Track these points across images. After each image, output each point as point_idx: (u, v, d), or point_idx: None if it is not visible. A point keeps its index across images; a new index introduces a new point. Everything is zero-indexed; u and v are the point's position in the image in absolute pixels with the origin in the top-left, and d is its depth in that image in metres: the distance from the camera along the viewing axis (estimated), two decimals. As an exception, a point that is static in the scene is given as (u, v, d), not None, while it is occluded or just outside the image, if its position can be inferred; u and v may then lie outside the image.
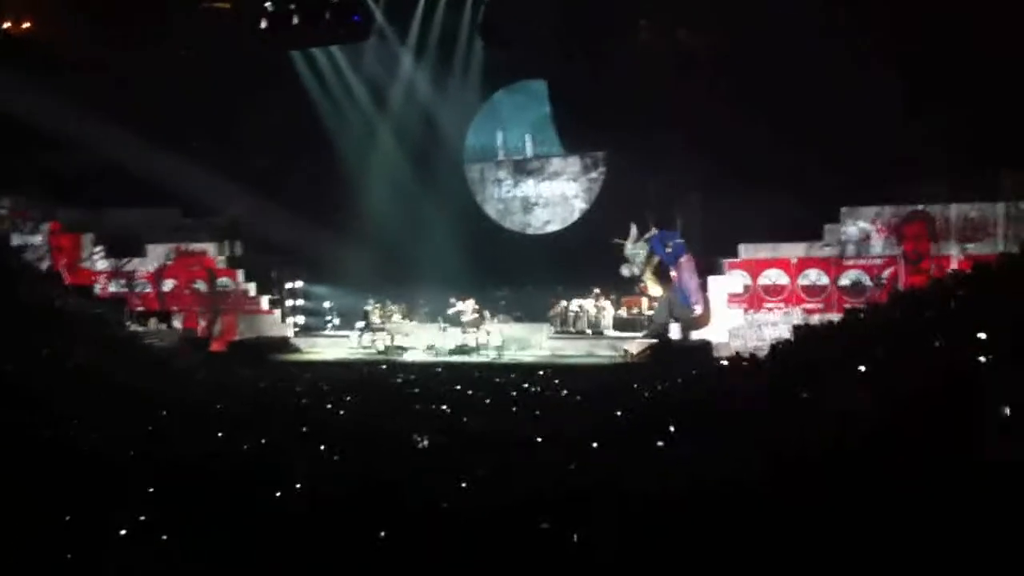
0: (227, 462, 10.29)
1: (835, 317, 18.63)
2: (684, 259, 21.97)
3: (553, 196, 26.81)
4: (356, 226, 25.13)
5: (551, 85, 26.08)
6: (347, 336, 24.41)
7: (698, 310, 21.95)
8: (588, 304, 23.25)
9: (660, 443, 9.37)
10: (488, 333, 22.69)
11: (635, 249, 22.68)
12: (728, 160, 20.83)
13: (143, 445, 10.67)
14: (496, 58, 25.48)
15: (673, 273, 22.21)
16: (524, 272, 24.30)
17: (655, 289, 22.61)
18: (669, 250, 22.17)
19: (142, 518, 7.61)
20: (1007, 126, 18.22)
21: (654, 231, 22.41)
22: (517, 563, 6.53)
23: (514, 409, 11.99)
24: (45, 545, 6.90)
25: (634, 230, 22.69)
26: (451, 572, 6.65)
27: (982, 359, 8.70)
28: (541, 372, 18.13)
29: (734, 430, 9.32)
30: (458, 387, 15.71)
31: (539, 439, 10.50)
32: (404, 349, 23.02)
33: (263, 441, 11.11)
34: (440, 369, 19.59)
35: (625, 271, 22.74)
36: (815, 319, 20.16)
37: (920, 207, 20.92)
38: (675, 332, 21.63)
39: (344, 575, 6.78)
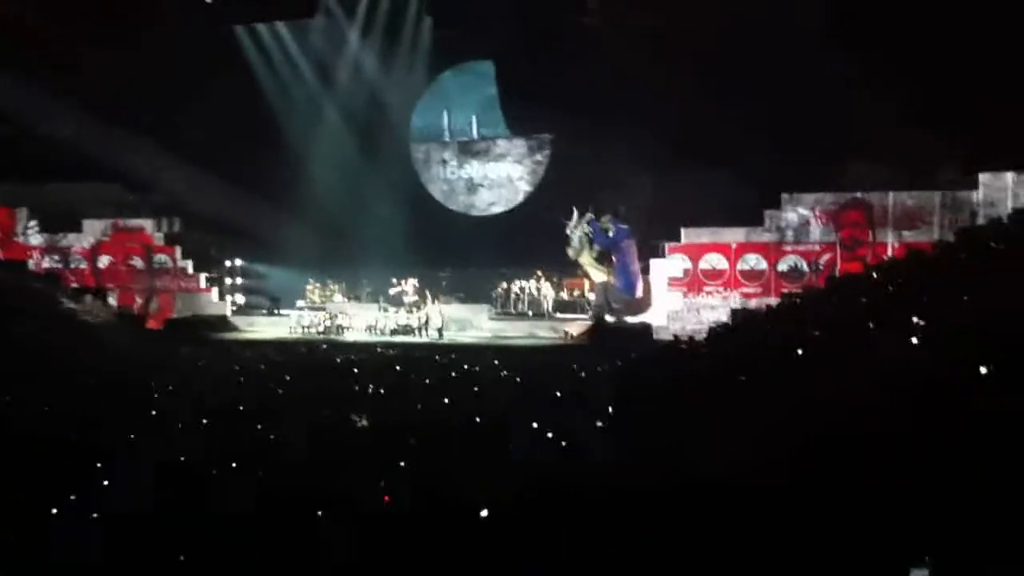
0: (162, 441, 10.18)
1: (773, 301, 18.84)
2: (625, 243, 22.06)
3: (498, 178, 26.75)
4: (298, 204, 24.84)
5: (498, 66, 25.93)
6: (287, 315, 24.17)
7: (638, 294, 22.07)
8: (530, 285, 23.27)
9: (600, 423, 9.42)
10: (429, 314, 22.62)
11: (574, 232, 22.70)
12: (672, 145, 20.92)
13: (78, 425, 10.51)
14: (444, 38, 25.34)
15: (614, 258, 22.29)
16: (467, 253, 24.23)
17: (596, 274, 22.65)
18: (610, 234, 22.24)
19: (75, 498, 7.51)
20: (946, 116, 18.50)
21: (590, 215, 22.45)
22: (458, 547, 6.53)
23: (447, 400, 11.95)
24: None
25: (575, 213, 22.73)
26: (390, 554, 6.64)
27: (915, 341, 8.86)
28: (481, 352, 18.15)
29: (675, 412, 9.40)
30: (398, 368, 15.67)
31: (478, 420, 10.51)
32: (344, 329, 22.87)
33: (203, 421, 11.01)
34: (380, 349, 19.52)
35: (570, 252, 22.78)
36: (753, 303, 20.40)
37: (858, 195, 21.18)
38: (610, 318, 21.73)
39: (282, 559, 6.73)
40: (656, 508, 6.47)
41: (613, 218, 22.34)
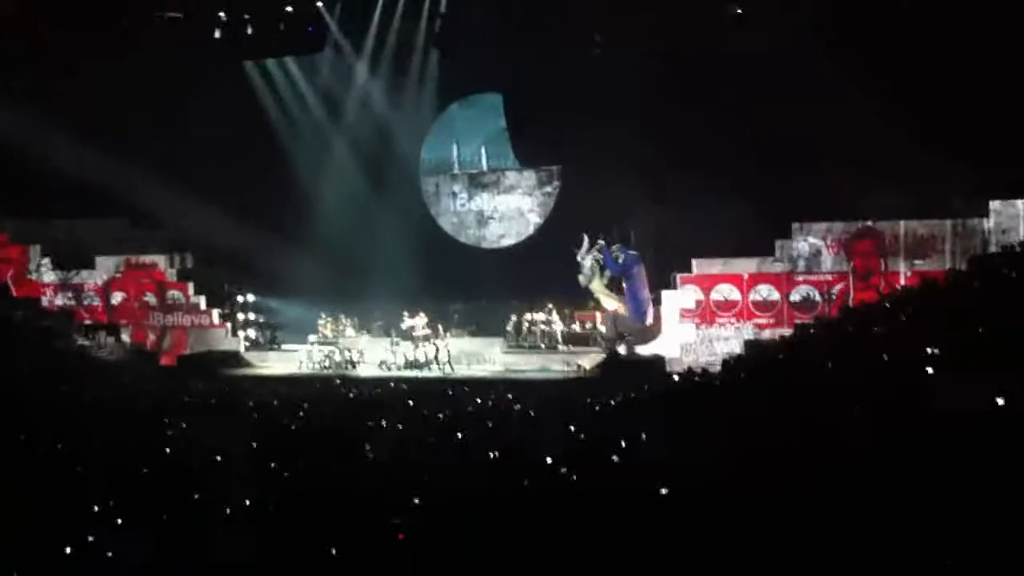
0: (177, 475, 10.16)
1: (786, 332, 18.78)
2: (636, 270, 22.05)
3: (508, 210, 26.80)
4: (309, 239, 24.92)
5: (506, 99, 26.05)
6: (299, 350, 24.17)
7: (648, 320, 22.03)
8: (541, 318, 23.23)
9: (615, 458, 9.37)
10: (438, 348, 22.59)
11: (585, 259, 22.69)
12: (682, 176, 20.97)
13: (92, 458, 10.50)
14: (451, 71, 25.47)
15: (624, 284, 22.28)
16: (478, 286, 24.24)
17: (607, 301, 22.66)
18: (620, 262, 22.24)
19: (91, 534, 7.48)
20: (957, 144, 18.50)
21: (601, 243, 22.46)
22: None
23: (461, 435, 11.90)
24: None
25: (585, 241, 22.72)
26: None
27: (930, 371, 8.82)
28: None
29: (688, 443, 9.35)
30: (411, 402, 15.63)
31: (493, 455, 10.47)
32: (356, 364, 22.85)
33: (216, 458, 10.97)
34: (393, 384, 19.49)
35: (581, 279, 22.76)
36: (766, 334, 20.33)
37: (870, 224, 21.15)
38: (622, 348, 21.67)
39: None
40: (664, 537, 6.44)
41: (622, 245, 22.33)
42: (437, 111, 26.83)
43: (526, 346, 23.17)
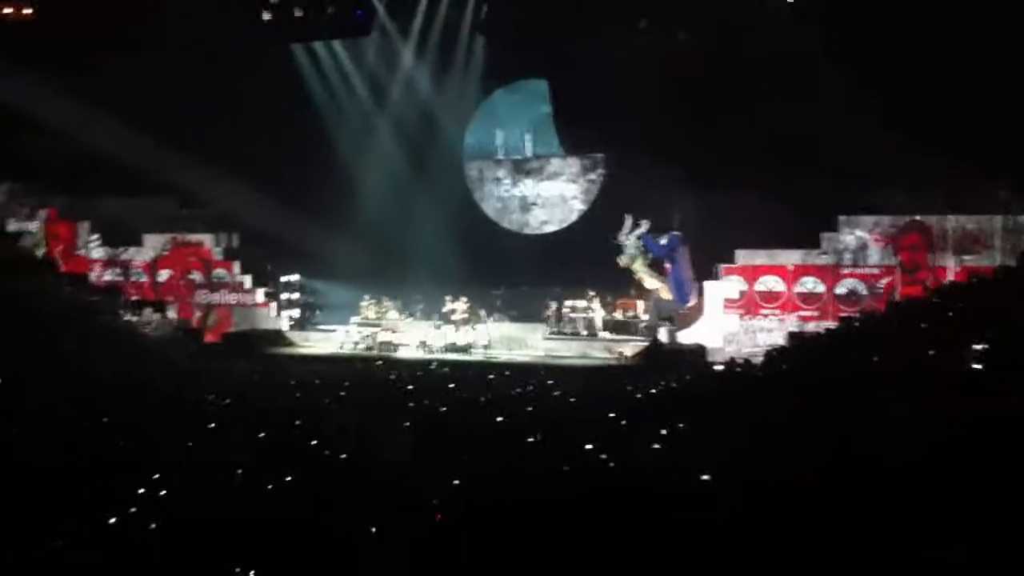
0: (218, 456, 10.27)
1: (831, 325, 18.61)
2: (679, 250, 21.96)
3: (551, 196, 26.77)
4: (353, 221, 25.05)
5: (551, 85, 25.99)
6: (341, 331, 24.33)
7: (692, 300, 21.92)
8: (583, 305, 23.20)
9: (656, 445, 9.36)
10: (480, 332, 22.66)
11: (627, 239, 22.61)
12: (728, 165, 20.81)
13: (125, 440, 10.64)
14: (497, 57, 25.45)
15: (667, 265, 22.17)
16: (520, 272, 24.26)
17: (650, 281, 22.56)
18: (664, 242, 22.16)
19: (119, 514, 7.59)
20: (1007, 139, 18.22)
21: (644, 223, 22.37)
22: (508, 561, 6.51)
23: (500, 418, 11.92)
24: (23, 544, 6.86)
25: (628, 221, 22.63)
26: (442, 569, 6.64)
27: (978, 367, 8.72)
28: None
29: (729, 433, 9.31)
30: (451, 385, 15.69)
31: (532, 439, 10.49)
32: (397, 345, 22.97)
33: (259, 435, 11.09)
34: (433, 367, 19.56)
35: (622, 260, 22.67)
36: (810, 327, 20.16)
37: (918, 218, 20.91)
38: (663, 335, 21.60)
39: (335, 572, 6.76)
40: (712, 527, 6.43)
41: (666, 227, 22.23)
42: (482, 96, 26.84)
43: (567, 332, 23.15)
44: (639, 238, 22.56)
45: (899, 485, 6.62)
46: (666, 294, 22.52)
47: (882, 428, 8.06)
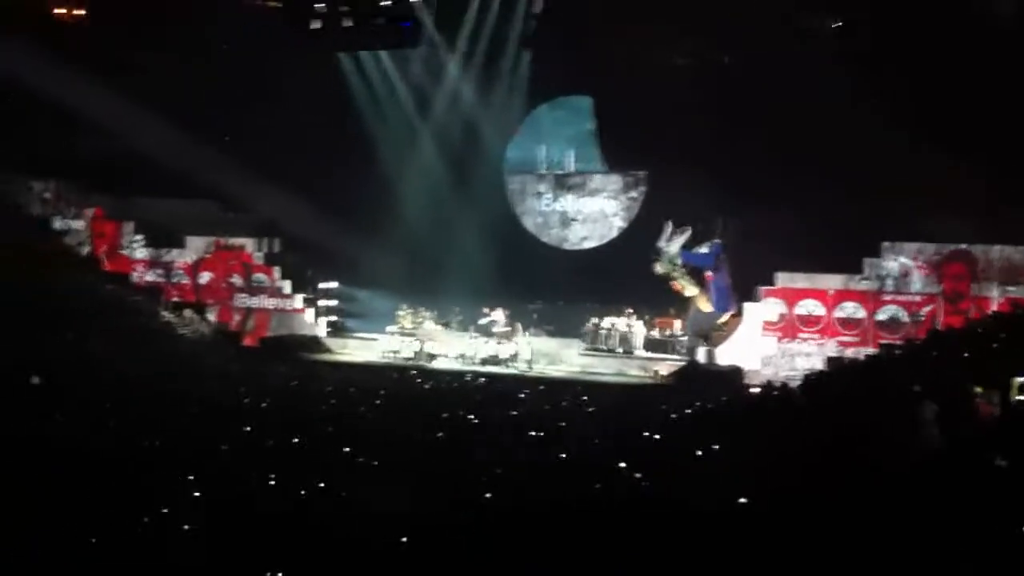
0: (253, 459, 10.34)
1: (871, 352, 18.40)
2: (721, 258, 21.73)
3: (592, 212, 26.69)
4: (393, 230, 25.14)
5: (595, 102, 25.97)
6: (378, 339, 24.40)
7: (732, 309, 21.74)
8: (620, 323, 23.10)
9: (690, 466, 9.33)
10: (518, 345, 22.62)
11: (668, 247, 22.39)
12: (770, 186, 20.70)
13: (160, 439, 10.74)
14: (542, 72, 25.48)
15: (708, 273, 21.96)
16: (558, 287, 24.19)
17: (690, 289, 22.24)
18: (705, 251, 21.92)
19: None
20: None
21: (686, 234, 22.11)
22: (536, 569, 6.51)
23: (534, 433, 11.91)
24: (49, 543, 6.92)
25: (668, 227, 22.43)
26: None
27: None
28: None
29: (765, 456, 9.24)
30: (486, 397, 15.70)
31: (564, 455, 10.48)
32: (434, 356, 22.99)
33: (294, 441, 11.16)
34: (468, 378, 19.57)
35: (658, 268, 22.42)
36: (850, 352, 19.93)
37: (963, 246, 20.62)
38: (701, 355, 21.45)
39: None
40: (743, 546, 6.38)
41: (709, 241, 22.03)
42: (526, 111, 26.85)
43: (603, 349, 23.04)
44: (679, 255, 22.24)
45: (936, 512, 6.55)
46: (704, 304, 22.20)
47: (921, 456, 7.98)
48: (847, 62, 20.73)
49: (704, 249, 21.99)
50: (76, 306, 20.91)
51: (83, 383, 14.50)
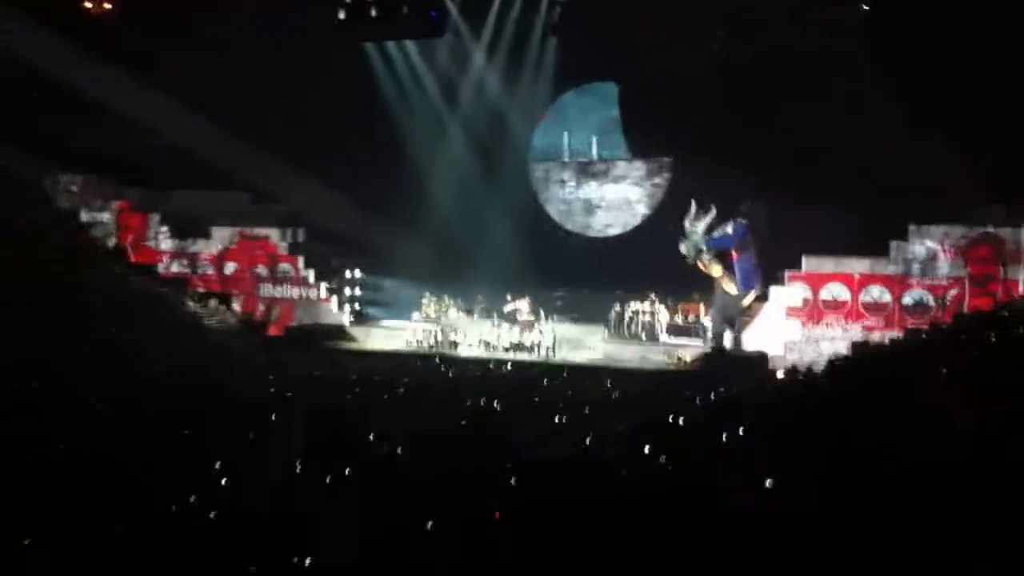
0: (278, 447, 10.41)
1: (896, 336, 18.29)
2: (745, 237, 21.53)
3: (616, 199, 26.65)
4: (418, 219, 25.20)
5: (620, 88, 25.89)
6: (402, 328, 24.48)
7: (757, 290, 21.62)
8: (644, 309, 23.05)
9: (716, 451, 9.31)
10: (542, 332, 22.62)
11: (693, 227, 22.21)
12: (795, 171, 20.61)
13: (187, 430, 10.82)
14: (567, 59, 25.43)
15: (734, 253, 21.81)
16: (582, 274, 24.17)
17: (715, 269, 22.04)
18: (729, 231, 21.72)
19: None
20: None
21: (712, 208, 21.87)
22: (563, 561, 6.51)
23: (559, 418, 11.91)
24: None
25: (694, 207, 22.26)
26: (497, 568, 6.66)
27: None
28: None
29: (790, 441, 9.22)
30: (510, 384, 15.72)
31: (589, 441, 10.48)
32: (457, 344, 23.04)
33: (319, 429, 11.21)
34: (492, 366, 19.61)
35: (684, 248, 22.24)
36: (875, 336, 19.82)
37: (990, 229, 20.43)
38: (728, 341, 21.36)
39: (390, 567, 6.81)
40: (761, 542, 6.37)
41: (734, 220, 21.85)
42: (551, 98, 26.81)
43: (627, 336, 23.02)
44: (704, 239, 22.03)
45: (962, 498, 6.51)
46: (729, 286, 21.96)
47: (947, 441, 7.93)
48: (873, 47, 20.57)
49: (728, 229, 21.80)
50: (103, 298, 21.08)
51: (108, 375, 14.62)
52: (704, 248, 21.80)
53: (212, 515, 7.40)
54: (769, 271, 21.78)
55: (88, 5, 26.91)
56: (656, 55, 23.31)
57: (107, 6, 26.97)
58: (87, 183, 27.01)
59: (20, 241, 21.89)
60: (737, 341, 21.37)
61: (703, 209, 21.83)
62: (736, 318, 21.65)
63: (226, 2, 24.78)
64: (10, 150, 23.17)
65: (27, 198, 25.00)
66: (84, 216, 26.88)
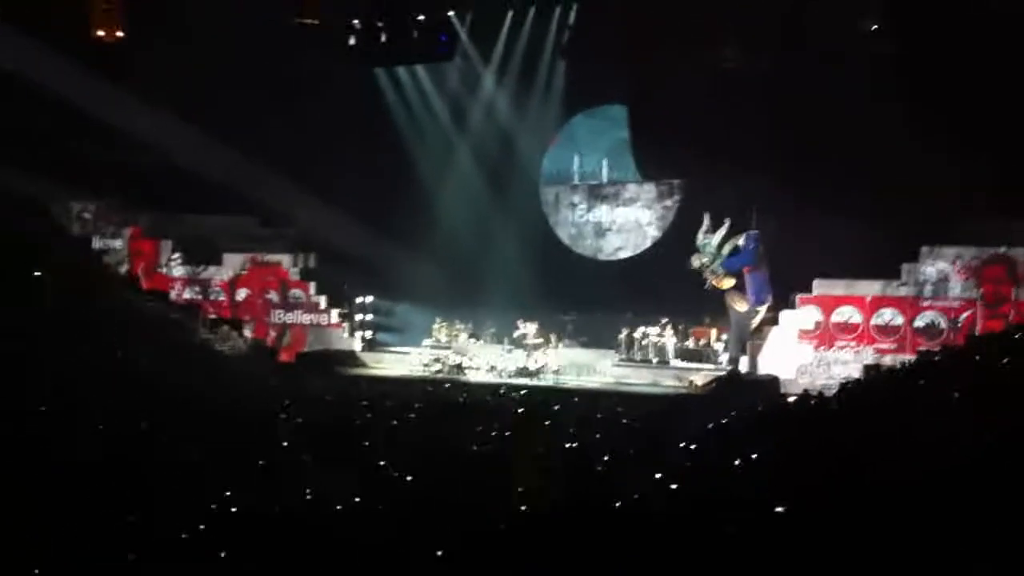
0: (289, 473, 10.39)
1: (908, 358, 18.20)
2: (758, 252, 21.48)
3: (627, 222, 26.63)
4: (428, 244, 25.27)
5: (630, 111, 25.94)
6: (412, 353, 24.49)
7: (768, 301, 21.54)
8: (655, 332, 23.01)
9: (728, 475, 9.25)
10: (551, 356, 22.61)
11: (706, 239, 22.16)
12: (807, 193, 20.60)
13: (198, 455, 10.80)
14: (577, 82, 25.50)
15: (745, 267, 21.73)
16: (593, 297, 24.14)
17: (726, 281, 21.95)
18: (741, 243, 21.65)
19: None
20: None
21: (727, 223, 21.81)
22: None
23: (571, 444, 11.86)
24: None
25: (707, 221, 22.22)
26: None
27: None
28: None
29: (801, 466, 9.15)
30: (520, 410, 15.67)
31: (601, 467, 10.44)
32: (467, 369, 23.02)
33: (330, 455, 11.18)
34: (502, 391, 19.57)
35: (695, 261, 22.11)
36: (887, 360, 19.73)
37: (1002, 250, 20.35)
38: (744, 365, 21.29)
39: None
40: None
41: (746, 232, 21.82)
42: (561, 121, 26.88)
43: (638, 360, 22.98)
44: (722, 264, 21.94)
45: (975, 522, 6.45)
46: (739, 302, 21.87)
47: (962, 466, 7.86)
48: (884, 65, 20.59)
49: (740, 241, 21.73)
50: (116, 324, 21.13)
51: (123, 399, 14.63)
52: (716, 256, 21.71)
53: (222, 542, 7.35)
54: (779, 294, 21.73)
55: (100, 33, 27.09)
56: (665, 77, 23.39)
57: (119, 34, 27.14)
58: (99, 209, 27.12)
59: (34, 264, 21.95)
60: (747, 365, 21.30)
61: (714, 223, 21.82)
62: (750, 339, 21.57)
63: (237, 28, 24.91)
64: (22, 176, 23.37)
65: (39, 224, 25.09)
66: (97, 243, 26.98)
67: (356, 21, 25.56)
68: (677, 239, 24.54)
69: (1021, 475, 7.07)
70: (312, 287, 25.95)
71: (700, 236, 22.09)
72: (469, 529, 7.63)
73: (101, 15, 23.59)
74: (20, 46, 22.98)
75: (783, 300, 21.77)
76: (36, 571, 6.69)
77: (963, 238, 20.60)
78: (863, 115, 20.13)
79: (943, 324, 20.38)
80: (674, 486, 8.94)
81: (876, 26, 21.59)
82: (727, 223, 21.77)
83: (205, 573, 7.09)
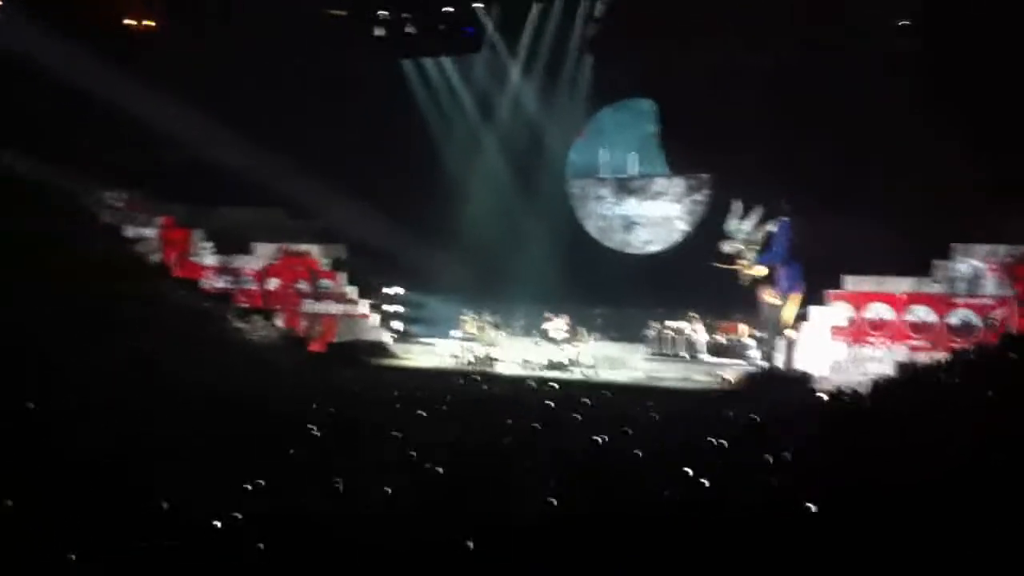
0: (320, 463, 10.45)
1: (942, 356, 18.03)
2: (788, 237, 21.23)
3: (655, 216, 26.50)
4: (456, 236, 25.29)
5: (659, 105, 25.81)
6: (441, 344, 24.53)
7: (800, 289, 21.37)
8: (684, 327, 22.92)
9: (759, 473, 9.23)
10: (581, 351, 22.57)
11: (738, 226, 21.98)
12: (838, 188, 20.45)
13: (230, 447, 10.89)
14: (605, 75, 25.43)
15: (776, 252, 21.53)
16: (622, 291, 24.05)
17: (758, 269, 21.75)
18: (774, 229, 21.44)
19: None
20: None
21: (759, 208, 21.62)
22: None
23: (602, 439, 11.85)
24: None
25: (738, 207, 22.03)
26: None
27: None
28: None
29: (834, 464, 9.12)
30: (549, 402, 15.69)
31: (629, 461, 10.43)
32: (496, 361, 23.03)
33: (361, 446, 11.25)
34: (532, 384, 19.59)
35: (727, 247, 21.95)
36: (921, 357, 19.54)
37: (1037, 247, 20.13)
38: (780, 359, 21.13)
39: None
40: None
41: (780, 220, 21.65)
42: (588, 115, 26.79)
43: (668, 354, 22.90)
44: (757, 259, 21.74)
45: (1010, 525, 6.41)
46: (771, 295, 21.69)
47: (995, 466, 7.81)
48: (918, 61, 20.42)
49: (774, 227, 21.54)
50: (148, 312, 21.32)
51: (152, 388, 14.76)
52: (747, 244, 21.53)
53: (260, 545, 7.38)
54: (808, 289, 21.57)
55: (131, 22, 27.27)
56: (694, 70, 23.29)
57: (149, 23, 27.34)
58: (132, 199, 27.32)
59: (65, 252, 22.16)
60: (788, 360, 21.13)
61: (746, 209, 21.65)
62: (782, 333, 21.39)
63: (266, 21, 25.01)
64: (54, 167, 23.59)
65: (71, 214, 25.33)
66: (129, 232, 27.18)
67: (383, 12, 25.61)
68: (706, 234, 24.40)
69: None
70: (342, 277, 26.02)
71: (732, 222, 21.90)
72: (499, 524, 7.66)
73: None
74: (51, 39, 23.16)
75: (813, 296, 21.61)
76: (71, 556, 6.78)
77: (995, 236, 20.36)
78: (894, 111, 19.95)
79: (977, 322, 20.14)
80: (706, 483, 8.94)
81: (908, 21, 21.40)
82: (760, 209, 21.57)
83: (236, 565, 7.15)
